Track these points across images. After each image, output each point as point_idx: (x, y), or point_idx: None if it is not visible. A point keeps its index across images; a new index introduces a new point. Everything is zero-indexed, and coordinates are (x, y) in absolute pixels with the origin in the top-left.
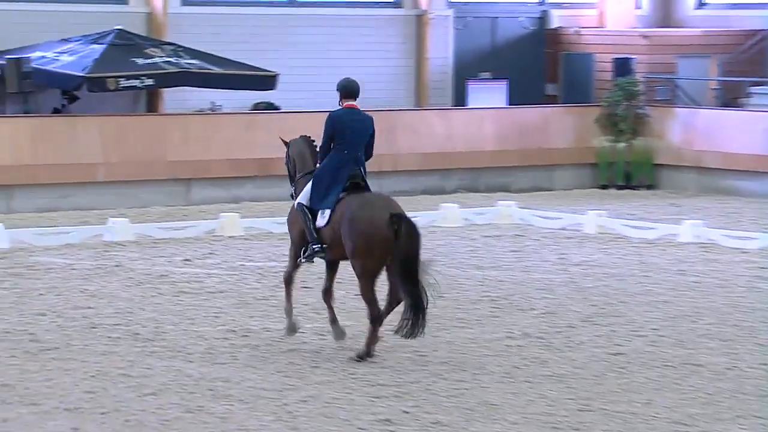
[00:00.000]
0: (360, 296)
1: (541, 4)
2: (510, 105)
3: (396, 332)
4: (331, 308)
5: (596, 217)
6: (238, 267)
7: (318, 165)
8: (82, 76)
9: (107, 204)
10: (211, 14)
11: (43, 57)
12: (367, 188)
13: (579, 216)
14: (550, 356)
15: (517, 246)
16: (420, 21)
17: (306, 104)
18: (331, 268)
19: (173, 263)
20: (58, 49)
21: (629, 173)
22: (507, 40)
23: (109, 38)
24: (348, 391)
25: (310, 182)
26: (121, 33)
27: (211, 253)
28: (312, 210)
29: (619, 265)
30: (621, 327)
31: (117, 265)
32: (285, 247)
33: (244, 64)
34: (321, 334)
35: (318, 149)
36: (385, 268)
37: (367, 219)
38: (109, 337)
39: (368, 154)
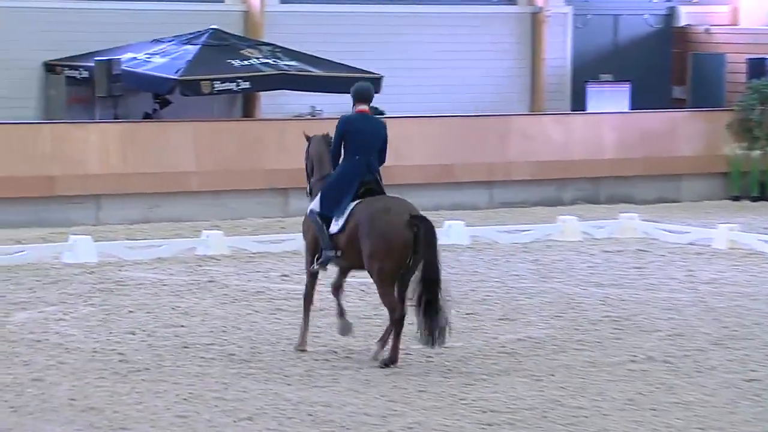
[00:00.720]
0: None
1: (667, 0)
2: (633, 109)
3: (418, 341)
4: (339, 303)
5: (728, 231)
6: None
7: (332, 170)
8: (175, 79)
9: (200, 215)
10: (312, 12)
11: (133, 59)
12: (382, 193)
13: (709, 230)
14: (676, 382)
15: (640, 262)
16: (535, 19)
17: (412, 108)
18: (344, 273)
19: (270, 279)
20: (150, 51)
21: (764, 183)
22: (630, 39)
23: (203, 38)
24: (457, 417)
25: (322, 189)
26: (216, 33)
27: None
28: (325, 216)
29: (753, 284)
30: (756, 351)
31: (210, 281)
32: None
33: (346, 65)
34: (428, 356)
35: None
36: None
37: (386, 220)
38: (202, 357)
39: (381, 160)
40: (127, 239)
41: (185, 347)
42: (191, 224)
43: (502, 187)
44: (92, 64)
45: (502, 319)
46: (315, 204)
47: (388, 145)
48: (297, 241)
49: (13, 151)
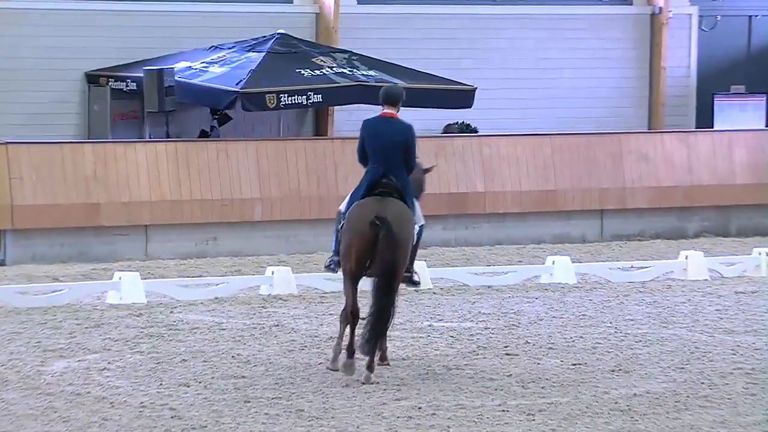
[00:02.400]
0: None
1: None
2: None
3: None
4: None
5: None
6: (425, 328)
7: None
8: (236, 92)
9: (265, 249)
10: (394, 14)
11: (188, 68)
12: (400, 198)
13: None
14: None
15: None
16: (655, 21)
17: (510, 125)
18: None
19: None
20: (207, 59)
21: None
22: (767, 44)
23: (268, 45)
24: None
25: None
26: (284, 38)
27: None
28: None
29: None
30: None
31: (276, 325)
32: (481, 303)
33: (434, 75)
34: (529, 414)
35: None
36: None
37: (353, 218)
38: (266, 413)
39: (408, 168)
40: (180, 276)
41: (247, 401)
42: (254, 259)
43: (615, 216)
44: (141, 75)
45: (614, 371)
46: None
47: (415, 151)
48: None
49: (52, 174)
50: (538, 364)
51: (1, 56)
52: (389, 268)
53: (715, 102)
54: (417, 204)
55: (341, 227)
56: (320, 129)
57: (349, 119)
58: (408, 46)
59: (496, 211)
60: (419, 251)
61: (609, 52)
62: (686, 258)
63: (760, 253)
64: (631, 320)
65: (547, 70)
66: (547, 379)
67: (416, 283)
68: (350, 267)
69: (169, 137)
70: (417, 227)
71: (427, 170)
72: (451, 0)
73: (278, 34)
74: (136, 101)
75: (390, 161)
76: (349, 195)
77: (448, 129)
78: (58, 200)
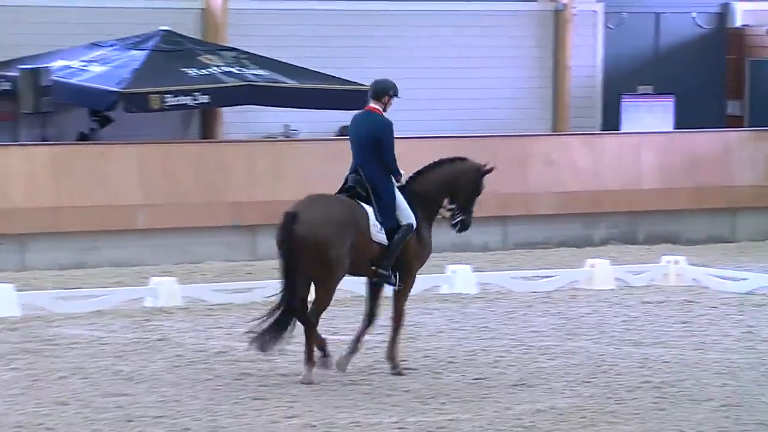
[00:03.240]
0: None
1: None
2: (678, 129)
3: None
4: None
5: None
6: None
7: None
8: (117, 92)
9: (148, 259)
10: (285, 11)
11: (66, 67)
12: (365, 198)
13: None
14: None
15: (688, 316)
16: (559, 18)
17: (409, 127)
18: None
19: (234, 336)
20: (87, 57)
21: None
22: (675, 43)
23: (152, 42)
24: None
25: None
26: (168, 35)
27: None
28: None
29: None
30: None
31: (161, 339)
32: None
33: (328, 75)
34: (428, 431)
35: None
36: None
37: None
38: None
39: (383, 164)
40: (58, 288)
41: (129, 421)
42: (137, 269)
43: (518, 223)
44: (15, 74)
45: (518, 386)
46: None
47: (389, 147)
48: (268, 290)
49: None
50: (438, 378)
51: None
52: (289, 262)
53: (622, 103)
54: (403, 202)
55: None
56: (208, 131)
57: (239, 121)
58: (301, 44)
59: None
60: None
61: (511, 50)
62: (592, 267)
63: (668, 262)
64: (535, 332)
65: (448, 70)
66: (447, 395)
67: (392, 284)
68: (282, 266)
69: (46, 140)
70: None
71: (485, 171)
72: None
73: (162, 30)
74: (11, 102)
75: (362, 156)
76: None
77: (344, 132)
78: None
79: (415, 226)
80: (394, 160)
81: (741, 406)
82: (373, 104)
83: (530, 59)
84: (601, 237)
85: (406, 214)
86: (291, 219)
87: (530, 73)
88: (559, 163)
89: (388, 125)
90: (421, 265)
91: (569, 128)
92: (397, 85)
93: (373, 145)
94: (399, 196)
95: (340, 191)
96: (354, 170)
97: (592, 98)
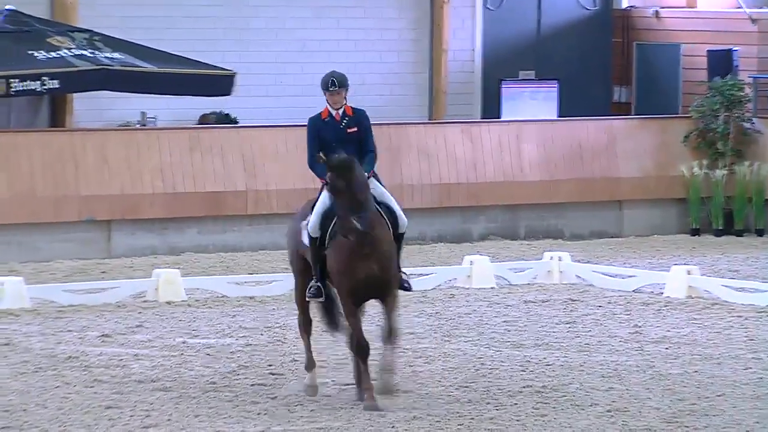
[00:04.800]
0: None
1: None
2: (562, 116)
3: None
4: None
5: (685, 274)
6: (179, 345)
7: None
8: None
9: None
10: None
11: None
12: None
13: (660, 273)
14: None
15: (572, 315)
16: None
17: (272, 115)
18: None
19: (86, 340)
20: None
21: (731, 212)
22: (558, 25)
23: None
24: None
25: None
26: (13, 15)
27: (139, 326)
28: None
29: (715, 343)
30: (720, 430)
31: (6, 344)
32: (242, 317)
33: (188, 59)
34: None
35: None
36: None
37: None
38: None
39: None
40: None
41: None
42: None
43: None
44: None
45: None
46: None
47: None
48: (123, 289)
49: None
50: None
51: None
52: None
53: (502, 89)
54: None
55: None
56: (58, 119)
57: (91, 108)
58: (157, 25)
59: (260, 212)
60: None
61: (384, 33)
62: (471, 264)
63: (551, 258)
64: (411, 334)
65: (315, 53)
66: (316, 402)
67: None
68: None
69: None
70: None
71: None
72: None
73: (6, 9)
74: None
75: None
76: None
77: (204, 119)
78: None
79: None
80: (310, 156)
81: (628, 411)
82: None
83: (404, 42)
84: (480, 232)
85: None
86: None
87: (405, 57)
88: (436, 153)
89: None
90: None
91: (446, 116)
92: (324, 78)
93: None
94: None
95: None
96: None
97: (471, 84)
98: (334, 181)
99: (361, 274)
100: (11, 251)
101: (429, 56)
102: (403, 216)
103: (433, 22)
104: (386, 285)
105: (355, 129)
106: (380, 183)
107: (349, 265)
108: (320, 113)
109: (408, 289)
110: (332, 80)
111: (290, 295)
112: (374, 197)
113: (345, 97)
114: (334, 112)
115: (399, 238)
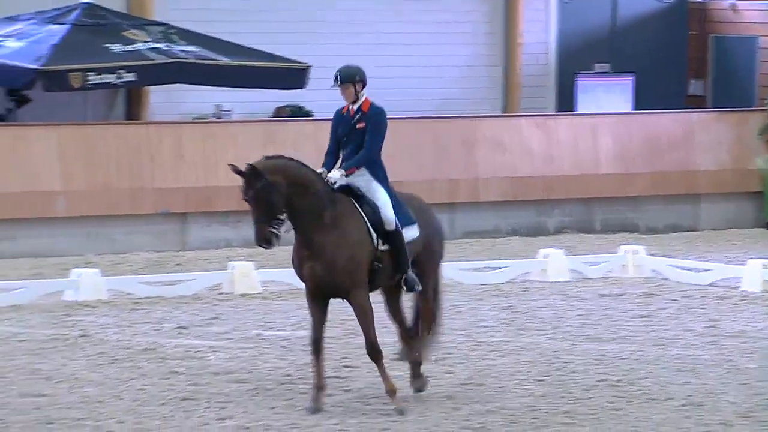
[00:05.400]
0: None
1: None
2: (637, 110)
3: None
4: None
5: (761, 268)
6: (254, 337)
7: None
8: (35, 70)
9: (69, 249)
10: None
11: None
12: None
13: (736, 267)
14: None
15: (647, 309)
16: None
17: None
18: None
19: (162, 332)
20: (2, 32)
21: None
22: (634, 18)
23: (73, 16)
24: None
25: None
26: (91, 8)
27: (215, 318)
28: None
29: None
30: None
31: (83, 336)
32: None
33: (262, 52)
34: None
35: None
36: None
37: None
38: None
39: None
40: None
41: (49, 423)
42: (57, 261)
43: (467, 210)
44: None
45: (466, 384)
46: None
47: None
48: (198, 282)
49: None
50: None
51: None
52: None
53: (577, 82)
54: None
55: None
56: (133, 112)
57: (166, 101)
58: (233, 18)
59: None
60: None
61: (458, 26)
62: (546, 257)
63: (627, 252)
64: (485, 327)
65: (389, 46)
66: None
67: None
68: None
69: None
70: None
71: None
72: None
73: (84, 3)
74: None
75: None
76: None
77: (279, 112)
78: None
79: None
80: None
81: (703, 405)
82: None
83: (478, 35)
84: (554, 225)
85: None
86: None
87: (479, 50)
88: (510, 146)
89: None
90: None
91: (521, 109)
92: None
93: None
94: None
95: None
96: None
97: (545, 77)
98: (241, 189)
99: (304, 272)
100: (88, 243)
101: (503, 49)
102: (389, 214)
103: (508, 15)
104: (335, 287)
105: (363, 125)
106: (382, 179)
107: (296, 262)
108: (343, 107)
109: (413, 290)
110: (336, 75)
111: None
112: (359, 193)
113: (357, 92)
114: (349, 107)
115: (390, 236)
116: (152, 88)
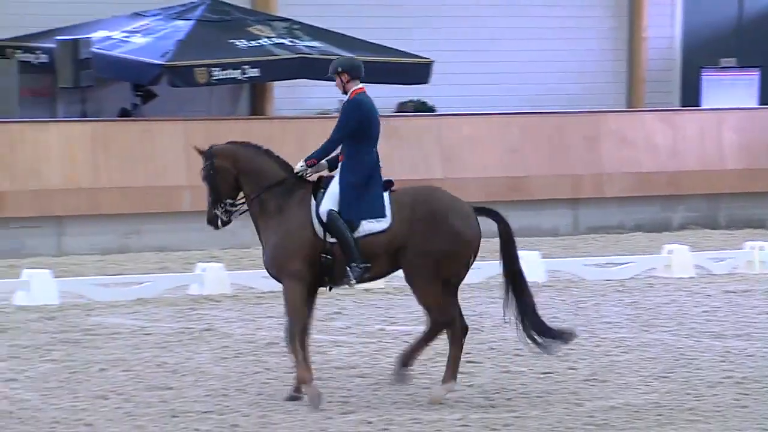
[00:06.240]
0: None
1: None
2: (763, 104)
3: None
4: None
5: None
6: (376, 332)
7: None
8: (161, 65)
9: (195, 243)
10: None
11: (107, 38)
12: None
13: None
14: None
15: None
16: None
17: (470, 103)
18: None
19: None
20: (129, 28)
21: None
22: (760, 11)
23: (198, 12)
24: None
25: (348, 188)
26: (215, 4)
27: (338, 313)
28: (350, 221)
29: None
30: None
31: (207, 329)
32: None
33: (385, 47)
34: (493, 429)
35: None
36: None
37: (462, 215)
38: (196, 429)
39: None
40: (99, 275)
41: (174, 416)
42: (182, 255)
43: (590, 206)
44: (53, 45)
45: (589, 380)
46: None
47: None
48: None
49: None
50: (504, 372)
51: None
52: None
53: (702, 77)
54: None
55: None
56: (257, 107)
57: (290, 96)
58: (354, 13)
59: None
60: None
61: (581, 20)
62: (670, 253)
63: (752, 248)
64: (608, 323)
65: (511, 41)
66: (513, 390)
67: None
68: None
69: (85, 116)
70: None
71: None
72: None
73: None
74: (48, 76)
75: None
76: (348, 194)
77: (402, 107)
78: None
79: None
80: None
81: None
82: (362, 85)
83: (603, 30)
84: (679, 221)
85: None
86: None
87: (603, 44)
88: (635, 141)
89: None
90: None
91: (645, 104)
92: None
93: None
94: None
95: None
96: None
97: (670, 72)
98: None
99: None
100: (212, 238)
101: (627, 44)
102: (324, 206)
103: (632, 9)
104: (274, 275)
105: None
106: (356, 172)
107: None
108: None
109: (348, 283)
110: (330, 67)
111: (487, 282)
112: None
113: (344, 83)
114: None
115: (327, 227)
116: (276, 83)
